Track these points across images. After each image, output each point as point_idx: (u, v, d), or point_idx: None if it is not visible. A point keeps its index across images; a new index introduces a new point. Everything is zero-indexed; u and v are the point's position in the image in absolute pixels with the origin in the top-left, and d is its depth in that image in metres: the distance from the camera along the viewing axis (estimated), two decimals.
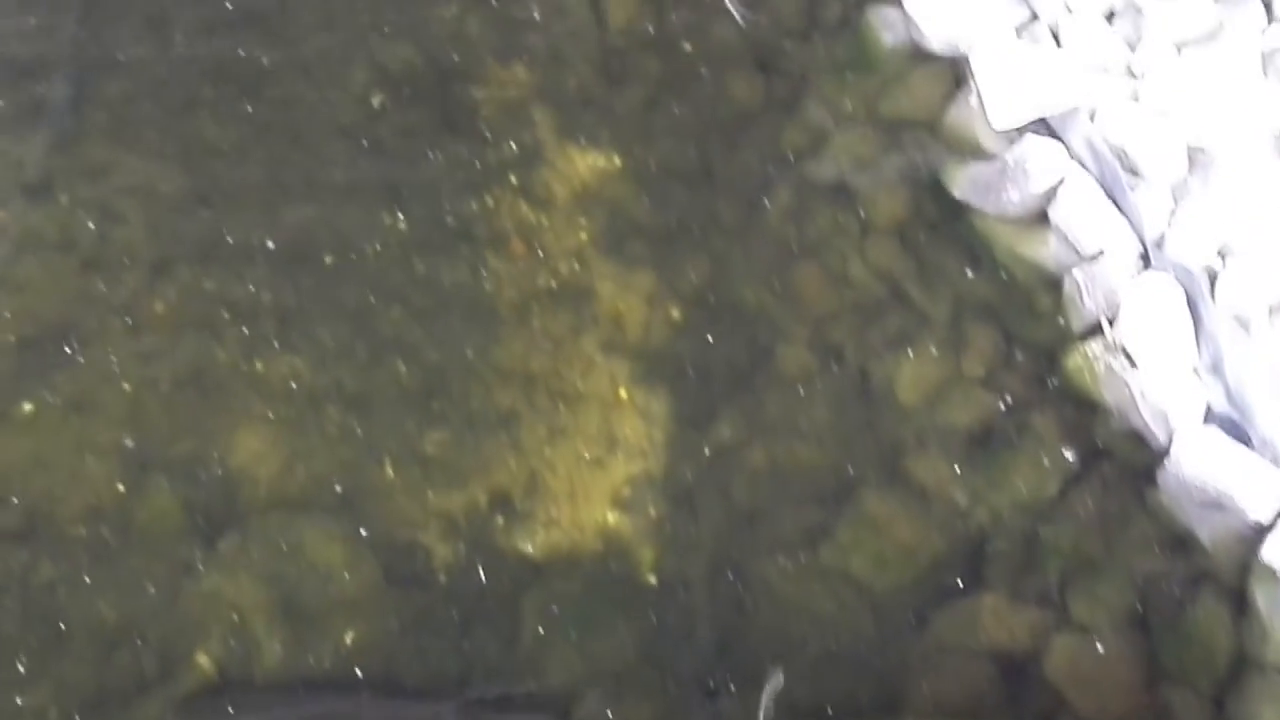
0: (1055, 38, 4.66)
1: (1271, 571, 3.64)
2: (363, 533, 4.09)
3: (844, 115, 4.89)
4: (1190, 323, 4.04)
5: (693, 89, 5.08)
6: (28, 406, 4.29)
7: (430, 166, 4.91)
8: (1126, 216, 4.26)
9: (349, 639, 3.93)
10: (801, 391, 4.35)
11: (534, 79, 5.15)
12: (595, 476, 4.24)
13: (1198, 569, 3.81)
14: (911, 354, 4.35)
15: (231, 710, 3.78)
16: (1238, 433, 3.88)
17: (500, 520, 4.15)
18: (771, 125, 4.95)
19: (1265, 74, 4.43)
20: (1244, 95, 4.34)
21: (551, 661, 3.90)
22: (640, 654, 3.92)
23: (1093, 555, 3.91)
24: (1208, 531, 3.81)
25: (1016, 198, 4.41)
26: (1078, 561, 3.91)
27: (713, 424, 4.33)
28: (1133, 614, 3.81)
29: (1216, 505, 3.81)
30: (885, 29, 4.92)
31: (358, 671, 3.88)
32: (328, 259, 4.65)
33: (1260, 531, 3.72)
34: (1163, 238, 4.21)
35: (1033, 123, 4.51)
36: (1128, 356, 4.07)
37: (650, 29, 5.26)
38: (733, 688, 3.87)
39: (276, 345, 4.44)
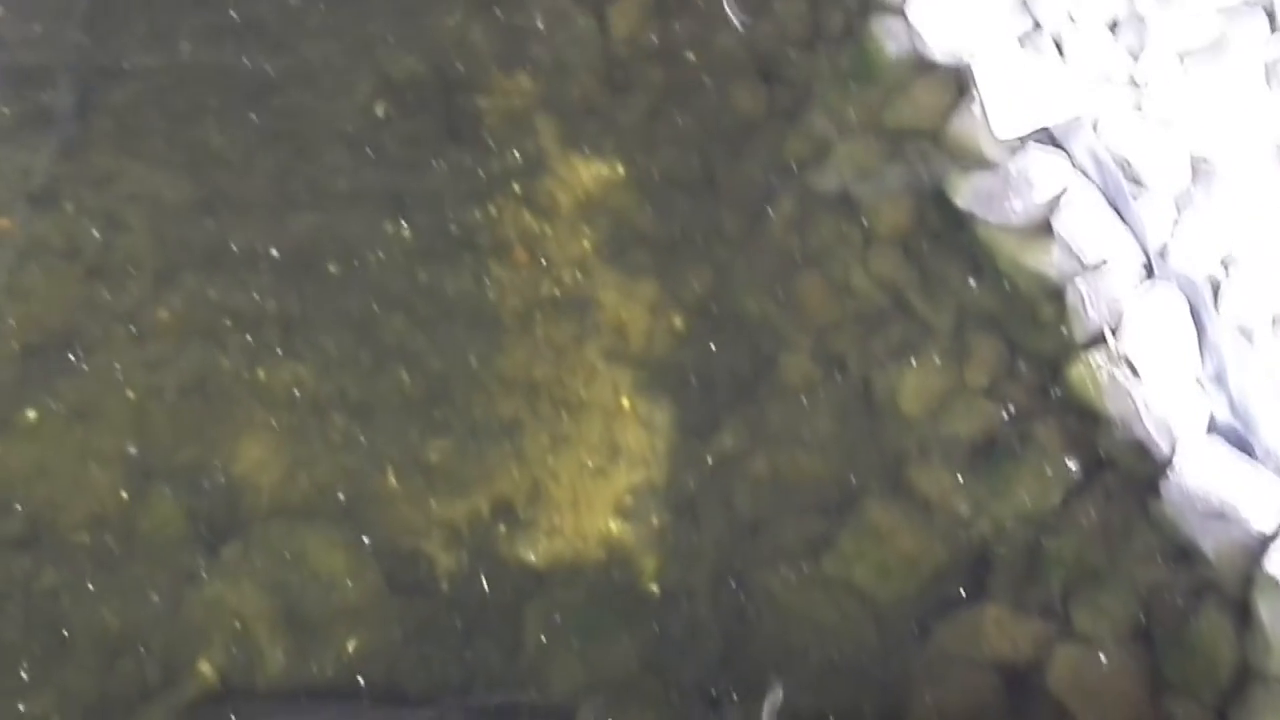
0: (1058, 47, 4.66)
1: (1275, 582, 3.63)
2: (365, 541, 4.10)
3: (847, 125, 4.89)
4: (1193, 333, 4.04)
5: (696, 98, 5.09)
6: (31, 414, 4.30)
7: (434, 175, 4.93)
8: (1130, 226, 4.26)
9: (351, 647, 3.93)
10: (804, 401, 4.35)
11: (538, 88, 5.17)
12: (598, 485, 4.25)
13: (1201, 580, 3.81)
14: (914, 364, 4.35)
15: (234, 718, 3.78)
16: (1241, 443, 3.87)
17: (503, 529, 4.15)
18: (775, 135, 4.95)
19: (1268, 84, 4.43)
20: (1247, 105, 4.34)
21: (554, 670, 3.90)
22: (643, 663, 3.92)
23: (1096, 566, 3.90)
24: (1211, 542, 3.80)
25: (1019, 207, 4.41)
26: (1080, 572, 3.91)
27: (715, 433, 4.33)
28: (1136, 625, 3.81)
29: (1220, 516, 3.80)
30: (888, 39, 4.93)
31: (360, 680, 3.88)
32: (332, 267, 4.67)
33: (1263, 542, 3.71)
34: (1166, 248, 4.21)
35: (1036, 132, 4.51)
36: (1131, 366, 4.07)
37: (654, 39, 5.27)
38: (735, 697, 3.87)
39: (280, 353, 4.45)
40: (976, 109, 4.62)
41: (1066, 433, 4.12)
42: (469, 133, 5.05)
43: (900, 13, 4.91)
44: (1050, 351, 4.26)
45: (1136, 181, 4.32)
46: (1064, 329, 4.26)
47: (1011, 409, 4.22)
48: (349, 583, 4.01)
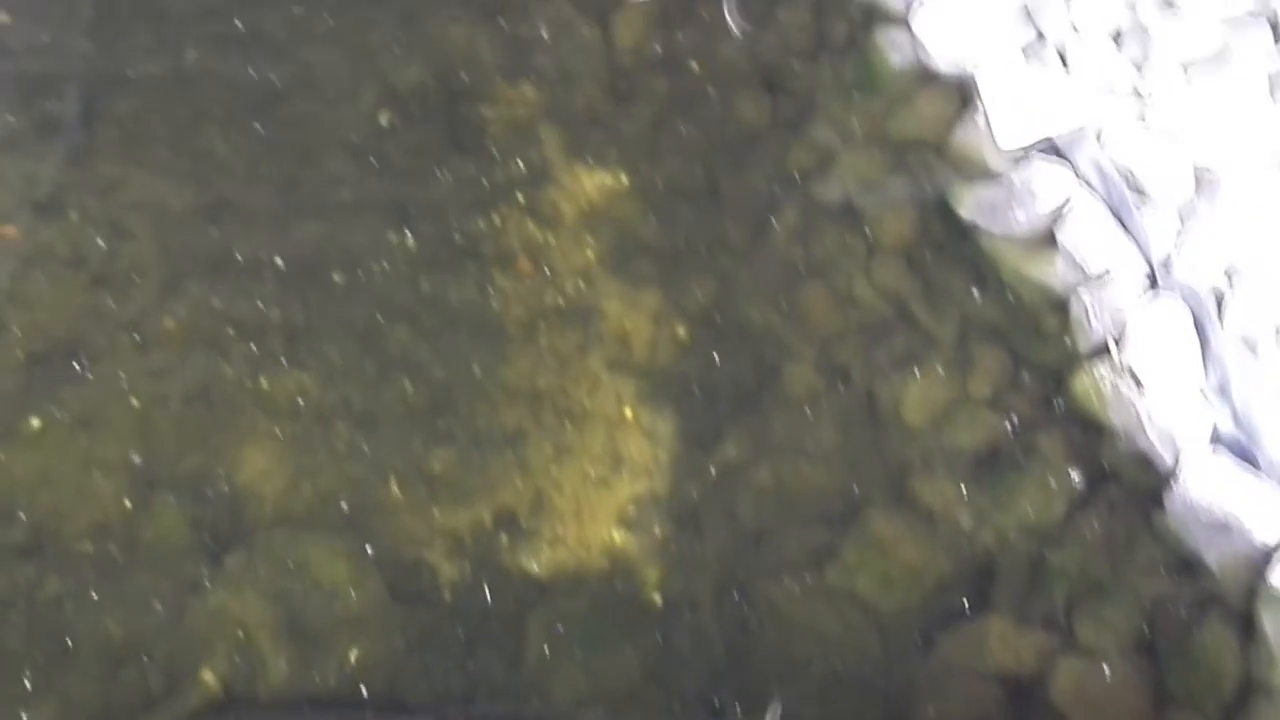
0: (1062, 59, 4.67)
1: (1278, 595, 3.63)
2: (368, 550, 4.09)
3: (851, 135, 4.90)
4: (1197, 345, 4.03)
5: (700, 109, 5.10)
6: (36, 422, 4.30)
7: (438, 185, 4.94)
8: (1133, 238, 4.26)
9: (354, 657, 3.93)
10: (808, 412, 4.35)
11: (542, 98, 5.18)
12: (601, 495, 4.25)
13: (1205, 593, 3.79)
14: (918, 374, 4.35)
15: None
16: (1245, 455, 3.86)
17: (505, 539, 4.15)
18: (778, 145, 4.96)
19: (1272, 96, 4.43)
20: (1251, 117, 4.34)
21: (556, 680, 3.89)
22: (645, 674, 3.92)
23: (1099, 578, 3.89)
24: (1215, 555, 3.79)
25: (1023, 218, 4.42)
26: (1084, 584, 3.90)
27: (719, 443, 4.33)
28: (1139, 637, 3.79)
29: (1224, 528, 3.79)
30: (892, 50, 4.94)
31: (363, 689, 3.87)
32: (336, 277, 4.67)
33: (1267, 554, 3.70)
34: (1170, 259, 4.21)
35: (1040, 144, 4.52)
36: (1134, 378, 4.06)
37: (658, 49, 5.28)
38: (738, 708, 3.86)
39: (284, 363, 4.46)
40: (980, 120, 4.63)
41: (1070, 444, 4.12)
42: (473, 142, 5.06)
43: (904, 23, 4.93)
44: (1054, 362, 4.26)
45: (1140, 192, 4.32)
46: (1067, 340, 4.26)
47: (1015, 420, 4.22)
48: (352, 592, 4.01)
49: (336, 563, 4.06)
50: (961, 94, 4.76)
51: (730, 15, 5.25)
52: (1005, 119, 4.53)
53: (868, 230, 4.68)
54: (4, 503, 4.13)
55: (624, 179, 4.95)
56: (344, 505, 4.18)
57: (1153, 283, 4.21)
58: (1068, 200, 4.36)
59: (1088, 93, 4.49)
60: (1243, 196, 4.22)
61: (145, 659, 3.87)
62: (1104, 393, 4.09)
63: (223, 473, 4.21)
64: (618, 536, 4.16)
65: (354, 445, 4.31)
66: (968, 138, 4.67)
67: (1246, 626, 3.70)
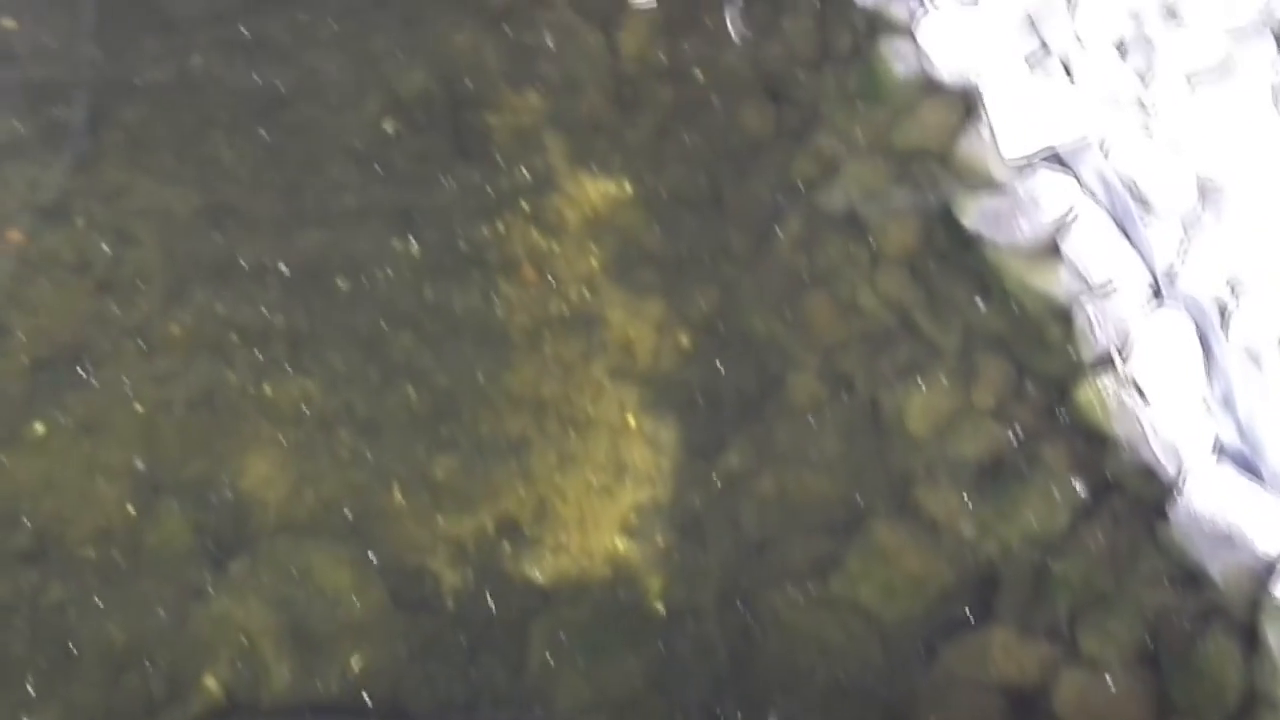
0: (1066, 70, 4.68)
1: None
2: (371, 557, 4.09)
3: (855, 145, 4.90)
4: (1201, 356, 4.04)
5: (704, 117, 5.11)
6: (40, 427, 4.31)
7: (443, 192, 4.94)
8: (1137, 249, 4.27)
9: (356, 664, 3.92)
10: (811, 421, 4.35)
11: (546, 106, 5.19)
12: (604, 504, 4.25)
13: (1208, 604, 3.79)
14: (921, 384, 4.35)
15: None
16: (1249, 467, 3.86)
17: (509, 546, 4.15)
18: (782, 154, 4.97)
19: (1276, 107, 4.43)
20: (1255, 128, 4.35)
21: (559, 689, 3.89)
22: (648, 682, 3.91)
23: (1103, 589, 3.89)
24: (1218, 566, 3.79)
25: (1027, 229, 4.42)
26: (1088, 595, 3.90)
27: (722, 452, 4.33)
28: (1143, 649, 3.79)
29: (1227, 540, 3.79)
30: (896, 60, 4.95)
31: (365, 697, 3.87)
32: (340, 283, 4.68)
33: (1271, 566, 3.70)
34: (1174, 271, 4.22)
35: (1044, 154, 4.53)
36: (1138, 389, 4.07)
37: (662, 57, 5.29)
38: (740, 717, 3.85)
39: (288, 369, 4.46)
40: (984, 130, 4.64)
41: (1073, 455, 4.12)
42: (478, 150, 5.07)
43: (908, 34, 4.94)
44: (1058, 373, 4.26)
45: (1144, 204, 4.32)
46: (1071, 351, 4.26)
47: (1019, 430, 4.22)
48: (354, 599, 4.01)
49: (339, 569, 4.06)
50: (965, 104, 4.77)
51: (732, 22, 5.27)
52: (1009, 129, 4.54)
53: (871, 239, 4.68)
54: (8, 508, 4.13)
55: (628, 187, 4.96)
56: (347, 512, 4.18)
57: (1156, 294, 4.21)
58: (1071, 210, 4.37)
59: (1092, 103, 4.50)
60: (1247, 208, 4.22)
61: (148, 665, 3.87)
62: (1108, 403, 4.09)
63: (226, 479, 4.21)
64: (621, 545, 4.16)
65: (357, 452, 4.31)
66: (972, 148, 4.67)
67: (1250, 638, 3.70)
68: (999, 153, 4.57)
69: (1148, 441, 4.00)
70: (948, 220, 4.63)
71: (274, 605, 3.98)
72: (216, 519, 4.14)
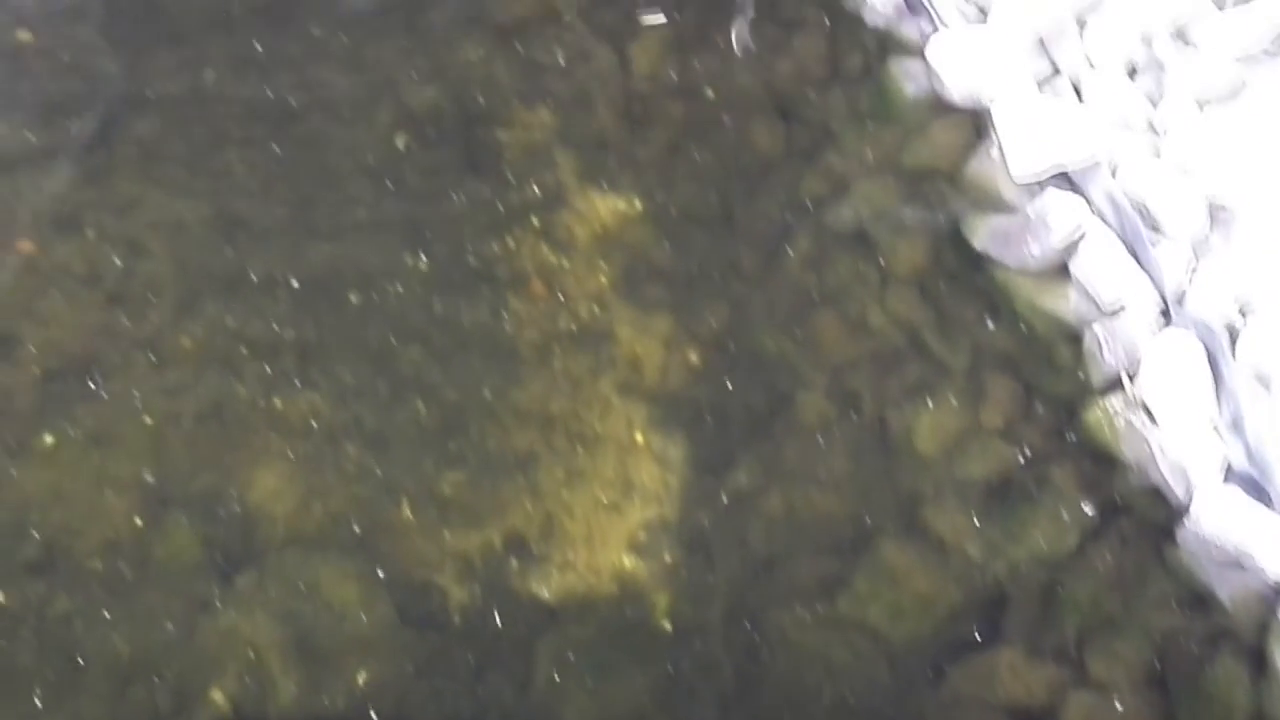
0: (1077, 92, 4.69)
1: None
2: (379, 572, 4.09)
3: (865, 164, 4.91)
4: (1210, 380, 4.04)
5: (714, 135, 5.12)
6: (49, 439, 4.31)
7: (453, 207, 4.95)
8: (1147, 272, 4.27)
9: (363, 679, 3.92)
10: (820, 439, 4.35)
11: (557, 122, 5.20)
12: (611, 520, 4.24)
13: (1217, 627, 3.79)
14: (930, 404, 4.36)
15: None
16: (1258, 491, 3.86)
17: (516, 563, 4.14)
18: (792, 173, 4.98)
19: None
20: (1265, 153, 4.35)
21: (565, 707, 3.88)
22: (654, 701, 3.90)
23: (1111, 611, 3.89)
24: (1227, 590, 3.79)
25: (1037, 250, 4.43)
26: (1096, 617, 3.89)
27: (730, 470, 4.33)
28: (1151, 672, 3.79)
29: (1236, 564, 3.79)
30: (907, 80, 4.97)
31: (371, 712, 3.86)
32: (350, 297, 4.69)
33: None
34: (1183, 293, 4.22)
35: (1054, 176, 4.54)
36: (1148, 412, 4.07)
37: (673, 75, 5.30)
38: None
39: (297, 383, 4.47)
40: (994, 151, 4.65)
41: (1082, 476, 4.12)
42: (488, 165, 5.08)
43: (919, 54, 4.96)
44: (1067, 395, 4.26)
45: (1154, 227, 4.33)
46: (1081, 373, 4.27)
47: (1027, 451, 4.22)
48: (361, 614, 4.01)
49: (347, 584, 4.06)
50: (976, 125, 4.79)
51: (737, 34, 5.29)
52: (1019, 150, 4.55)
53: (881, 259, 4.69)
54: (16, 519, 4.14)
55: (638, 204, 4.96)
56: (355, 526, 4.18)
57: (1166, 317, 4.22)
58: (1082, 233, 4.38)
59: (1101, 125, 4.51)
60: (1256, 231, 4.23)
61: (155, 678, 3.86)
62: (1116, 425, 4.10)
63: (234, 492, 4.22)
64: (628, 562, 4.16)
65: (365, 466, 4.31)
66: (981, 168, 4.69)
67: (1259, 662, 3.70)
68: (1009, 173, 4.59)
69: (1156, 463, 4.00)
70: (957, 240, 4.64)
71: (281, 619, 3.98)
72: (224, 532, 4.14)
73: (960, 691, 3.86)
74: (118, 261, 4.74)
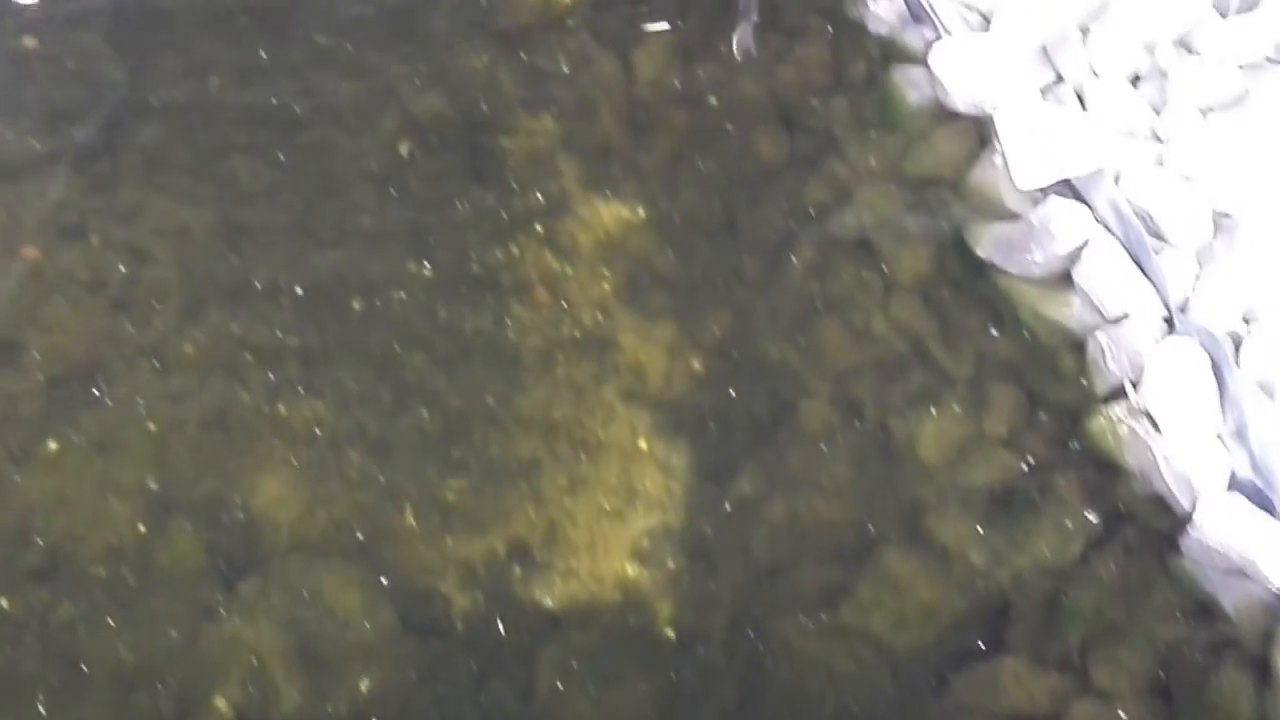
0: (1080, 100, 4.70)
1: None
2: (382, 579, 4.09)
3: (868, 172, 4.92)
4: (1214, 388, 4.03)
5: (718, 143, 5.12)
6: (53, 445, 4.32)
7: (457, 214, 4.96)
8: (1151, 280, 4.27)
9: (365, 686, 3.92)
10: (823, 447, 4.35)
11: (561, 130, 5.21)
12: (614, 528, 4.24)
13: (1221, 637, 3.78)
14: (933, 412, 4.35)
15: None
16: (1262, 500, 3.86)
17: (519, 570, 4.14)
18: (796, 181, 4.98)
19: None
20: (1269, 162, 4.35)
21: (568, 714, 3.88)
22: (657, 709, 3.90)
23: (1115, 620, 3.88)
24: (1231, 599, 3.78)
25: (1040, 258, 4.43)
26: (1100, 626, 3.88)
27: (733, 478, 4.33)
28: (1155, 681, 3.78)
29: (1240, 573, 3.79)
30: (911, 88, 4.97)
31: None
32: (354, 304, 4.69)
33: None
34: (1187, 302, 4.22)
35: (1057, 184, 4.54)
36: (1151, 420, 4.06)
37: (677, 83, 5.31)
38: None
39: (301, 390, 4.47)
40: (998, 159, 4.65)
41: (1086, 485, 4.11)
42: (492, 173, 5.08)
43: (922, 62, 4.96)
44: (1070, 403, 4.26)
45: (1158, 235, 4.33)
46: (1084, 381, 4.26)
47: (1031, 460, 4.21)
48: (364, 621, 4.01)
49: (350, 591, 4.06)
50: (979, 133, 4.79)
51: (740, 40, 5.30)
52: (1023, 159, 4.55)
53: (884, 267, 4.69)
54: (20, 525, 4.14)
55: (641, 212, 4.97)
56: (358, 533, 4.18)
57: (1170, 325, 4.22)
58: (1085, 241, 4.37)
59: (1105, 133, 4.51)
60: (1260, 240, 4.23)
61: (158, 685, 3.86)
62: (1120, 434, 4.09)
63: (238, 499, 4.22)
64: (631, 570, 4.16)
65: (369, 473, 4.31)
66: (985, 177, 4.69)
67: (1263, 671, 3.69)
68: (1012, 181, 4.58)
69: (1160, 472, 4.00)
70: (961, 248, 4.64)
71: (284, 626, 3.98)
72: (228, 539, 4.14)
73: (963, 700, 3.85)
74: (122, 268, 4.74)
